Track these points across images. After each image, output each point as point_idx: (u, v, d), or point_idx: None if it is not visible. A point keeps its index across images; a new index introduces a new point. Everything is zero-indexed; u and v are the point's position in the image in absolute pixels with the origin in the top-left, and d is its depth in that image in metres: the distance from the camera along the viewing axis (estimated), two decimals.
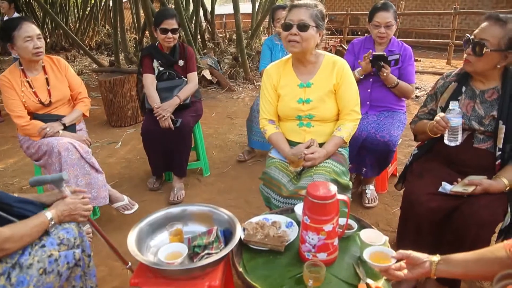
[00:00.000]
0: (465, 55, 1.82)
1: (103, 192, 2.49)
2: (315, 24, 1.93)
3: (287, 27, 1.94)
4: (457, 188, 1.78)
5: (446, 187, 1.81)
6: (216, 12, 10.21)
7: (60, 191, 1.56)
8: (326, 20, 2.02)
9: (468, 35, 1.80)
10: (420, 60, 10.18)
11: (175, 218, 1.66)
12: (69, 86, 2.68)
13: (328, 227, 1.32)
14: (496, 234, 1.92)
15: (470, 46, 1.77)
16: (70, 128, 2.61)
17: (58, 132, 2.51)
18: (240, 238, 1.50)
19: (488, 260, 1.14)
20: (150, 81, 3.01)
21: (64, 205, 1.49)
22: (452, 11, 9.75)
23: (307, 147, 1.98)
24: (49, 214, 1.42)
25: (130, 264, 1.69)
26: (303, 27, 1.90)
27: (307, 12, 1.92)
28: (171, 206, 1.75)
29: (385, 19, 2.67)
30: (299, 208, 1.60)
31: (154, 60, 3.05)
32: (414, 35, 14.00)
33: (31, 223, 1.35)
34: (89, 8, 13.57)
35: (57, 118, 2.57)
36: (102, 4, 14.19)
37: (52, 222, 1.41)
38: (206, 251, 1.48)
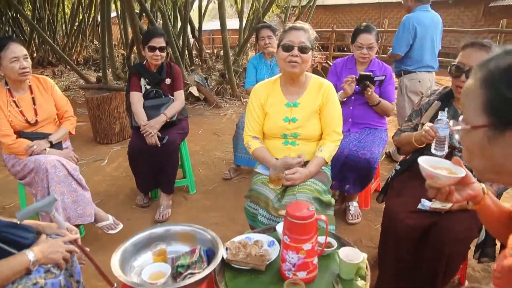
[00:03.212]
0: (459, 84, 1.87)
1: (89, 210, 2.50)
2: (311, 47, 2.05)
3: (288, 48, 2.02)
4: (436, 204, 1.84)
5: (425, 203, 1.87)
6: (204, 27, 10.34)
7: (50, 216, 1.54)
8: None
9: (459, 64, 1.85)
10: None
11: (159, 238, 1.68)
12: (55, 105, 2.70)
13: (307, 246, 1.36)
14: (473, 250, 2.00)
15: (464, 74, 1.83)
16: (57, 146, 2.63)
17: (45, 149, 2.52)
18: (223, 257, 1.53)
19: None
20: (137, 98, 3.05)
21: (48, 244, 1.41)
22: None
23: (297, 163, 2.04)
24: (31, 254, 1.33)
25: (115, 285, 1.70)
26: (304, 49, 2.01)
27: (306, 35, 2.03)
28: (155, 226, 1.77)
29: (367, 40, 2.77)
30: (280, 227, 1.64)
31: (142, 78, 3.10)
32: None
33: (6, 264, 1.26)
34: (77, 24, 13.59)
35: (44, 136, 2.59)
36: (90, 19, 14.22)
37: (33, 260, 1.32)
38: (189, 271, 1.50)
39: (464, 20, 13.96)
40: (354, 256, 1.48)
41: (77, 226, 2.40)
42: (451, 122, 0.90)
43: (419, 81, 3.73)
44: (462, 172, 1.11)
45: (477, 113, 0.79)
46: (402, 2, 3.91)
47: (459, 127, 0.86)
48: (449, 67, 1.91)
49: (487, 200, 1.14)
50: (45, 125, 2.64)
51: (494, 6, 13.04)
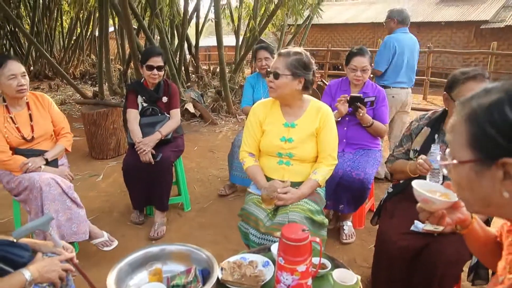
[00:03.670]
0: None
1: (83, 227, 2.49)
2: (290, 72, 2.05)
3: (267, 73, 2.13)
4: (429, 226, 1.86)
5: (418, 225, 1.89)
6: (201, 43, 10.44)
7: (46, 235, 1.55)
8: (312, 66, 2.12)
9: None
10: None
11: (154, 258, 1.68)
12: (52, 122, 2.72)
13: (301, 268, 1.38)
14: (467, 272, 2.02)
15: None
16: (52, 163, 2.63)
17: (40, 167, 2.53)
18: (218, 278, 1.54)
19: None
20: (133, 116, 3.08)
21: (44, 262, 1.43)
22: (427, 49, 10.25)
23: (282, 187, 2.06)
24: (27, 273, 1.35)
25: None
26: (275, 75, 2.07)
27: (283, 61, 2.06)
28: (151, 245, 1.78)
29: (361, 63, 2.84)
30: (275, 248, 1.66)
31: (139, 96, 3.13)
32: None
33: (3, 284, 1.29)
34: (74, 38, 13.70)
35: (40, 153, 2.59)
36: (88, 34, 14.34)
37: (30, 279, 1.33)
38: None
39: (456, 41, 14.25)
40: (348, 277, 1.50)
41: (71, 243, 2.40)
42: (439, 157, 0.93)
43: (393, 96, 4.00)
44: (454, 196, 1.14)
45: (464, 148, 0.83)
46: (385, 24, 4.30)
47: (447, 162, 0.89)
48: (443, 96, 1.94)
49: (475, 224, 1.17)
50: (41, 141, 2.64)
51: (485, 29, 13.35)
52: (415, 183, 1.19)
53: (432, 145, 1.91)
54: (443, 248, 1.78)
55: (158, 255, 1.71)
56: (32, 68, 12.59)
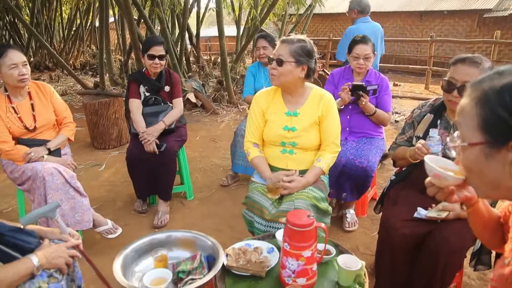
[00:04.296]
0: (451, 99, 1.88)
1: (87, 216, 2.50)
2: (294, 59, 2.03)
3: (269, 60, 2.09)
4: (432, 213, 1.87)
5: (421, 212, 1.90)
6: (202, 34, 10.39)
7: (53, 222, 1.56)
8: (315, 54, 2.12)
9: (451, 80, 1.86)
10: (399, 85, 10.49)
11: (160, 244, 1.70)
12: (54, 111, 2.71)
13: (307, 253, 1.39)
14: (469, 258, 2.02)
15: (456, 90, 1.83)
16: (55, 152, 2.63)
17: (43, 157, 2.53)
18: (223, 264, 1.55)
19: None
20: (136, 106, 3.07)
21: (51, 249, 1.44)
22: (429, 38, 10.18)
23: (287, 176, 2.06)
24: (35, 259, 1.36)
25: None
26: (279, 62, 2.04)
27: (287, 48, 2.04)
28: (156, 232, 1.79)
29: (364, 51, 2.82)
30: (280, 234, 1.67)
31: (141, 86, 3.12)
32: (394, 60, 14.48)
33: (12, 268, 1.29)
34: (74, 29, 13.63)
35: (42, 142, 2.59)
36: (88, 24, 14.26)
37: (38, 265, 1.34)
38: (190, 277, 1.52)
39: (459, 30, 14.14)
40: (352, 263, 1.51)
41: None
42: (448, 138, 0.92)
43: None
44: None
45: (474, 131, 0.83)
46: (347, 14, 4.46)
47: (456, 144, 0.89)
48: (441, 82, 1.94)
49: (480, 203, 1.17)
50: (43, 131, 2.64)
51: (488, 17, 13.23)
52: (427, 158, 1.17)
53: (430, 130, 1.90)
54: (447, 236, 1.78)
55: (163, 242, 1.72)
56: (32, 59, 12.54)
